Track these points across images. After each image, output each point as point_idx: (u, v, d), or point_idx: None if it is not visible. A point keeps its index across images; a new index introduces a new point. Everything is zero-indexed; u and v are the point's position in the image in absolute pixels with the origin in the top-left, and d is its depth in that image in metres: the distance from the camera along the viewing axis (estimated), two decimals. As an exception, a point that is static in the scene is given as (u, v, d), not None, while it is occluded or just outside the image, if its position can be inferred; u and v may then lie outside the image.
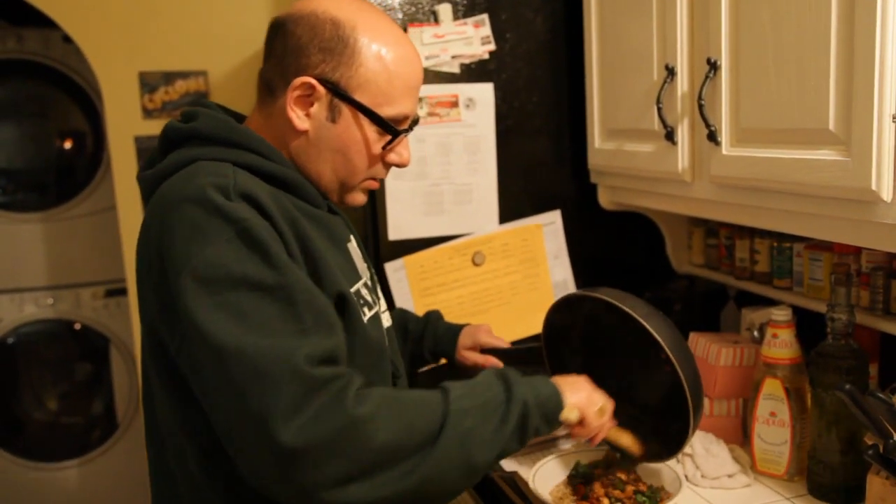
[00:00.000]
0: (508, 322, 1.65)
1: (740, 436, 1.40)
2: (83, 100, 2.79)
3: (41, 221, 2.80)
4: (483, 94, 1.60)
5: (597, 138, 1.57)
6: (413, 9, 1.54)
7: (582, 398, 1.04)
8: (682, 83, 1.27)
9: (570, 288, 1.69)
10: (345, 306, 0.95)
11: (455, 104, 1.58)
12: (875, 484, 1.04)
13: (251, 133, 0.97)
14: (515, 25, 1.60)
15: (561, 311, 1.29)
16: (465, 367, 1.40)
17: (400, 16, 1.53)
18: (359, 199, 1.06)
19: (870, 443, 1.03)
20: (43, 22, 2.33)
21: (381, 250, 1.58)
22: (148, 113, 2.30)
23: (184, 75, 2.32)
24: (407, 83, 0.99)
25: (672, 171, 1.31)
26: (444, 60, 1.56)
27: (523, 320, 1.65)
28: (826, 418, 1.18)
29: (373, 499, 0.82)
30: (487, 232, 1.63)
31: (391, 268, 1.58)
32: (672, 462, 1.30)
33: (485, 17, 1.57)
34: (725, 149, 1.17)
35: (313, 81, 0.95)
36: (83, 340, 2.87)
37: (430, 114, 1.57)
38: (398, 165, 1.05)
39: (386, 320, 1.12)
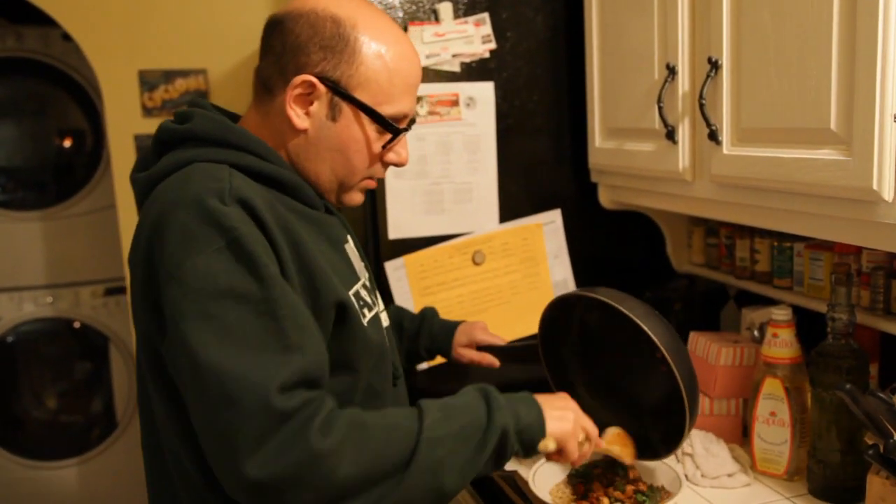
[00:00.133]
0: (508, 321, 1.65)
1: (740, 435, 1.40)
2: (83, 98, 2.79)
3: (40, 220, 2.80)
4: (483, 92, 1.59)
5: (597, 137, 1.57)
6: (414, 7, 1.54)
7: (564, 429, 1.00)
8: (683, 82, 1.27)
9: (570, 287, 1.69)
10: (345, 314, 0.94)
11: (455, 103, 1.58)
12: (875, 484, 1.04)
13: (248, 134, 0.96)
14: (516, 24, 1.60)
15: (558, 310, 1.29)
16: (461, 365, 1.40)
17: (400, 14, 1.53)
18: (357, 198, 1.05)
19: (870, 442, 1.03)
20: (42, 20, 2.33)
21: (381, 249, 1.58)
22: (148, 111, 2.30)
23: (184, 73, 2.32)
24: (406, 81, 0.99)
25: (673, 171, 1.31)
26: (445, 59, 1.55)
27: (523, 319, 1.65)
28: (826, 418, 1.18)
29: None
30: (487, 231, 1.63)
31: (391, 267, 1.58)
32: (672, 461, 1.30)
33: (485, 15, 1.57)
34: (726, 148, 1.17)
35: (314, 80, 0.94)
36: (82, 339, 2.87)
37: (431, 112, 1.56)
38: (397, 164, 1.04)
39: (385, 320, 1.12)
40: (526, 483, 1.23)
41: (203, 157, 0.92)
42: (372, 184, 1.05)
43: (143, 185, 0.95)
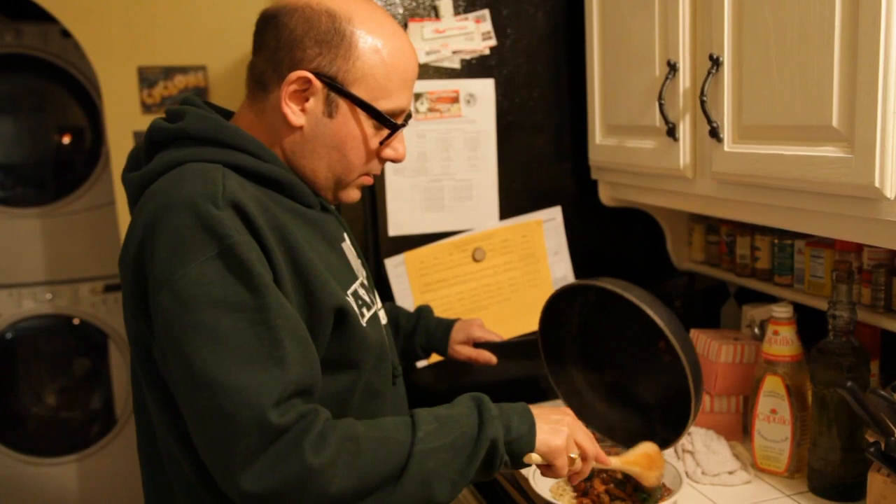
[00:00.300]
0: (508, 318, 1.65)
1: (741, 433, 1.40)
2: (81, 94, 2.78)
3: (39, 216, 2.80)
4: (484, 89, 1.59)
5: (598, 134, 1.57)
6: (414, 4, 1.53)
7: (552, 443, 0.96)
8: (684, 79, 1.26)
9: (571, 284, 1.69)
10: (344, 317, 0.94)
11: (455, 100, 1.57)
12: (876, 481, 1.04)
13: (241, 132, 0.94)
14: (516, 21, 1.60)
15: (560, 302, 1.29)
16: (458, 362, 1.40)
17: (401, 10, 1.52)
18: (353, 195, 1.04)
19: (871, 440, 1.03)
20: (41, 16, 2.32)
21: (381, 246, 1.58)
22: (147, 108, 2.30)
23: (183, 70, 2.31)
24: (404, 76, 0.97)
25: (673, 168, 1.31)
26: (445, 56, 1.55)
27: (523, 316, 1.65)
28: (827, 415, 1.18)
29: None
30: (487, 228, 1.63)
31: (391, 264, 1.57)
32: (673, 459, 1.30)
33: (486, 12, 1.57)
34: (727, 145, 1.17)
35: (310, 75, 0.92)
36: (82, 335, 2.86)
37: (431, 109, 1.56)
38: (394, 160, 1.03)
39: (383, 318, 1.11)
40: (527, 480, 1.23)
41: (196, 157, 0.91)
42: (369, 180, 1.04)
43: (136, 184, 0.93)
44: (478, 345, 1.38)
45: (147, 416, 0.96)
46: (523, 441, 0.94)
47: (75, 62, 2.71)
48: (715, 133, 1.17)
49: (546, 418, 0.99)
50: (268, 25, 0.96)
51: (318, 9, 0.93)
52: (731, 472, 1.27)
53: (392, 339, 1.16)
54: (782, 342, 1.25)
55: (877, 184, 0.91)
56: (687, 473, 1.28)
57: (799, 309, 1.30)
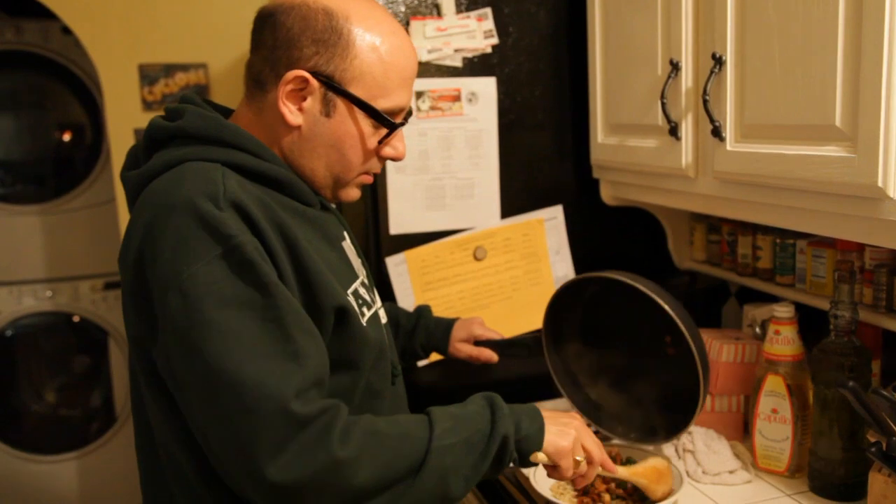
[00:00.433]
0: (509, 317, 1.65)
1: (741, 432, 1.40)
2: (82, 92, 2.78)
3: (39, 214, 2.79)
4: (485, 88, 1.59)
5: (599, 133, 1.56)
6: (416, 2, 1.53)
7: (559, 445, 0.99)
8: (687, 78, 1.26)
9: (572, 283, 1.69)
10: (345, 316, 0.94)
11: (457, 98, 1.57)
12: (877, 481, 1.04)
13: (241, 131, 0.94)
14: (518, 19, 1.60)
15: (566, 295, 1.30)
16: (458, 361, 1.40)
17: (402, 8, 1.52)
18: (353, 194, 1.03)
19: (872, 440, 1.03)
20: (42, 13, 2.32)
21: (383, 245, 1.58)
22: (148, 105, 2.30)
23: (184, 68, 2.31)
24: (402, 74, 0.97)
25: (676, 167, 1.31)
26: (447, 54, 1.55)
27: (524, 315, 1.65)
28: (828, 415, 1.18)
29: None
30: (489, 227, 1.63)
31: (392, 262, 1.57)
32: (673, 458, 1.30)
33: (488, 10, 1.56)
34: (730, 144, 1.17)
35: (306, 75, 0.92)
36: (82, 333, 2.87)
37: (433, 108, 1.56)
38: (394, 159, 1.02)
39: (383, 317, 1.11)
40: (527, 478, 1.23)
41: (195, 156, 0.90)
42: (368, 179, 1.04)
43: (135, 183, 0.93)
44: (478, 343, 1.38)
45: (145, 414, 0.95)
46: (532, 440, 0.97)
47: (76, 59, 2.71)
48: (717, 132, 1.17)
49: (555, 420, 1.01)
50: (265, 24, 0.95)
51: (315, 7, 0.92)
52: (731, 472, 1.27)
53: (392, 338, 1.16)
54: (784, 342, 1.25)
55: (880, 183, 0.91)
56: (688, 472, 1.28)
57: (800, 309, 1.30)
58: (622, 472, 1.14)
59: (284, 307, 0.83)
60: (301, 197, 0.97)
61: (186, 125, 0.93)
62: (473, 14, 1.56)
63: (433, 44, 1.53)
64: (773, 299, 1.44)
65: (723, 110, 1.17)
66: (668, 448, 1.33)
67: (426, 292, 1.60)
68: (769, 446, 1.28)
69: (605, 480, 1.23)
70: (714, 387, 1.39)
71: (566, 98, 1.65)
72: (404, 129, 1.03)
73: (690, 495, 1.23)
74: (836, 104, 0.96)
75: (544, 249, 1.67)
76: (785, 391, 1.24)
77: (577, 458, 1.01)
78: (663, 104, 1.29)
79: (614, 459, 1.26)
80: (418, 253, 1.58)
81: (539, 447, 0.98)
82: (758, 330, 1.47)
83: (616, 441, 1.36)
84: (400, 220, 1.57)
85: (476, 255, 1.62)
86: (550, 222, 1.67)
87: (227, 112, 1.03)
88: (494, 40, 1.58)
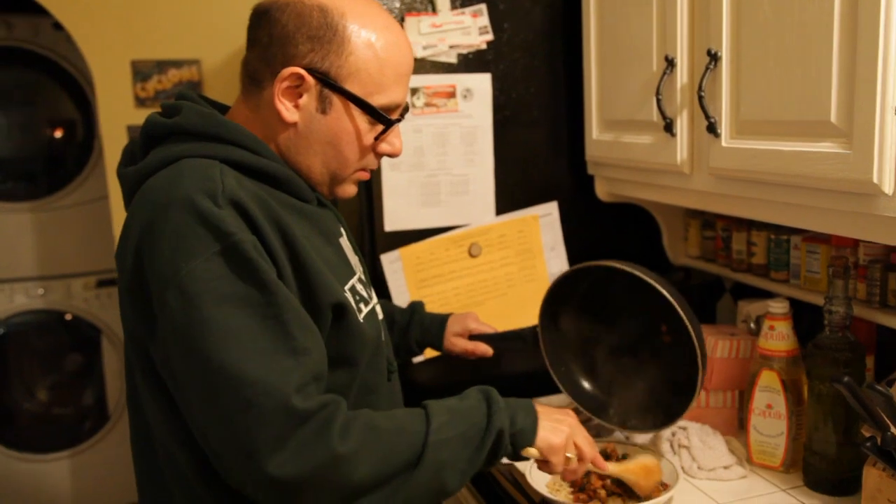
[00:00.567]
0: (504, 314, 1.65)
1: (736, 428, 1.41)
2: (74, 88, 2.76)
3: (31, 211, 2.78)
4: (480, 84, 1.59)
5: (594, 129, 1.56)
6: (410, -2, 1.52)
7: (551, 441, 1.01)
8: (682, 74, 1.26)
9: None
10: (343, 313, 0.94)
11: (452, 94, 1.57)
12: (871, 476, 1.04)
13: (238, 127, 0.94)
14: (513, 15, 1.59)
15: (563, 286, 1.30)
16: (452, 357, 1.40)
17: (398, 5, 1.51)
18: (350, 190, 1.03)
19: (867, 435, 1.03)
20: (33, 9, 2.30)
21: (377, 241, 1.57)
22: (140, 102, 2.28)
23: (177, 64, 2.30)
24: (398, 70, 0.96)
25: (671, 163, 1.31)
26: (442, 50, 1.54)
27: (519, 312, 1.65)
28: (822, 410, 1.18)
29: None
30: (484, 223, 1.62)
31: (387, 259, 1.57)
32: (669, 453, 1.30)
33: (482, 6, 1.56)
34: (725, 141, 1.17)
35: (302, 72, 0.91)
36: (74, 331, 2.85)
37: (428, 104, 1.55)
38: (390, 155, 1.03)
39: (379, 313, 1.11)
40: (523, 475, 1.24)
41: (192, 153, 0.90)
42: (365, 175, 1.03)
43: (132, 180, 0.93)
44: (473, 337, 1.38)
45: (141, 412, 0.95)
46: (525, 434, 0.98)
47: (67, 55, 2.69)
48: (713, 128, 1.17)
49: (549, 417, 1.03)
50: (260, 21, 0.95)
51: (310, 3, 0.92)
52: (726, 467, 1.27)
53: (387, 334, 1.16)
54: (778, 337, 1.26)
55: (875, 179, 0.91)
56: (683, 468, 1.28)
57: (795, 304, 1.31)
58: (612, 468, 1.15)
59: (283, 304, 0.83)
60: (298, 193, 0.97)
61: (184, 122, 0.92)
62: (468, 10, 1.55)
63: (428, 40, 1.53)
64: (768, 295, 1.45)
65: (718, 106, 1.17)
66: (663, 443, 1.33)
67: (421, 289, 1.60)
68: (764, 441, 1.28)
69: (601, 477, 1.23)
70: (709, 382, 1.40)
71: (561, 94, 1.65)
72: (400, 126, 1.03)
73: (685, 490, 1.23)
74: (831, 100, 0.96)
75: (539, 246, 1.67)
76: (780, 386, 1.25)
77: (568, 454, 1.03)
78: (658, 100, 1.29)
79: (610, 456, 1.27)
80: (413, 250, 1.58)
81: (532, 442, 0.99)
82: (752, 325, 1.47)
83: (613, 436, 1.37)
84: (395, 217, 1.57)
85: (471, 251, 1.62)
86: (545, 219, 1.67)
87: (223, 109, 1.02)
88: (489, 36, 1.58)
